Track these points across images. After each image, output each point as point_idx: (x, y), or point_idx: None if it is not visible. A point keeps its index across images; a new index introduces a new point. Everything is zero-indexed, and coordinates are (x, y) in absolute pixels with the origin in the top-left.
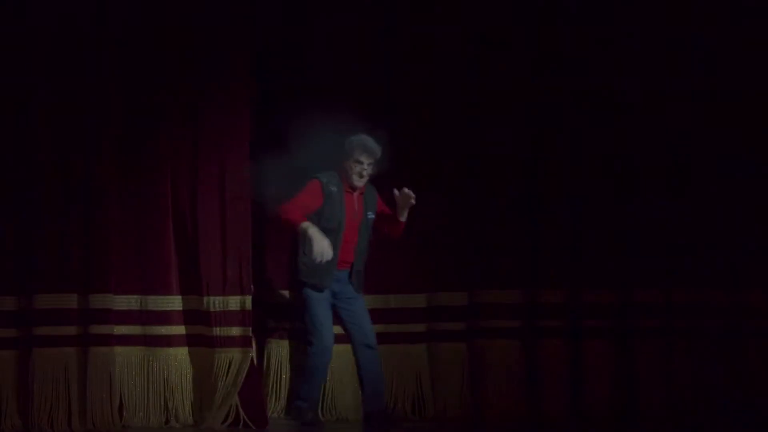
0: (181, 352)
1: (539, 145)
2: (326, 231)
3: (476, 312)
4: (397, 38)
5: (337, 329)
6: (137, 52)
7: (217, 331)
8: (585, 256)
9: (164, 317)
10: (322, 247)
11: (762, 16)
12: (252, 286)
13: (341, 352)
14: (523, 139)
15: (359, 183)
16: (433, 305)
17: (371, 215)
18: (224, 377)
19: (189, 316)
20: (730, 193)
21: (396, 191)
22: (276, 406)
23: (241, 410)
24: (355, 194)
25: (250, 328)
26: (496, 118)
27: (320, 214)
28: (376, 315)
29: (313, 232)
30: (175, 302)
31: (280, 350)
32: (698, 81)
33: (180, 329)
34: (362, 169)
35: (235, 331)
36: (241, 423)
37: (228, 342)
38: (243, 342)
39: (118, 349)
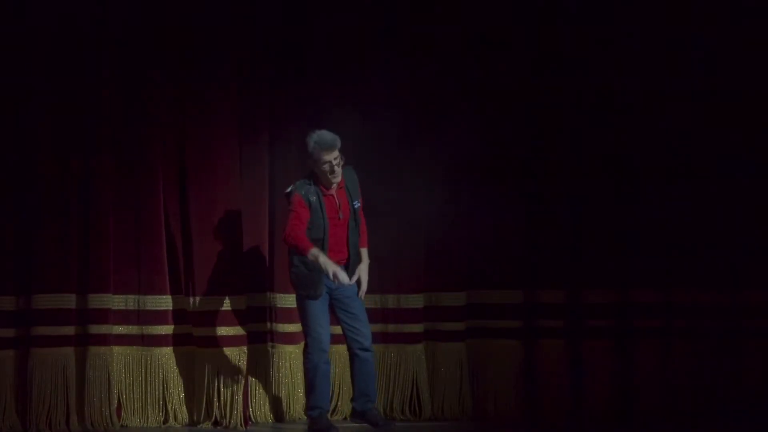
0: (179, 352)
1: (539, 145)
2: (315, 241)
3: (475, 312)
4: (397, 38)
5: (336, 329)
6: (136, 53)
7: (208, 331)
8: (585, 256)
9: (162, 317)
10: (339, 274)
11: (762, 16)
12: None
13: (342, 352)
14: (523, 139)
15: (336, 179)
16: (432, 305)
17: (357, 204)
18: (215, 377)
19: (186, 317)
20: (730, 193)
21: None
22: (291, 409)
23: (227, 409)
24: (335, 191)
25: (243, 328)
26: (496, 118)
27: (308, 226)
28: (375, 315)
29: (324, 260)
30: (171, 302)
31: (292, 353)
32: (698, 81)
33: (178, 329)
34: (332, 166)
35: (226, 330)
36: (228, 422)
37: (221, 342)
38: (236, 341)
39: (117, 349)
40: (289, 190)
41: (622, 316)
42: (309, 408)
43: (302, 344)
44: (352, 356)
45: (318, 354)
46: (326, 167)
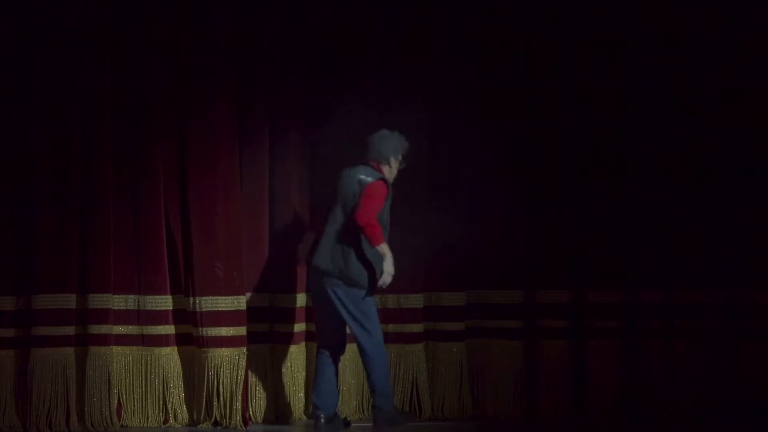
0: (179, 352)
1: (540, 144)
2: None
3: (475, 312)
4: (397, 38)
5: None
6: (136, 52)
7: (208, 331)
8: (585, 257)
9: (162, 317)
10: (392, 272)
11: (762, 16)
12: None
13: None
14: (523, 139)
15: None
16: (432, 305)
17: None
18: (215, 377)
19: (186, 317)
20: (730, 193)
21: None
22: (292, 409)
23: (227, 409)
24: None
25: (243, 328)
26: (497, 117)
27: (380, 216)
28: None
29: (390, 259)
30: (171, 302)
31: (293, 353)
32: (698, 81)
33: (178, 329)
34: (402, 164)
35: (226, 330)
36: (228, 422)
37: (221, 342)
38: (236, 342)
39: (117, 349)
40: (373, 179)
41: (623, 317)
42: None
43: (303, 344)
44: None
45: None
46: (400, 164)
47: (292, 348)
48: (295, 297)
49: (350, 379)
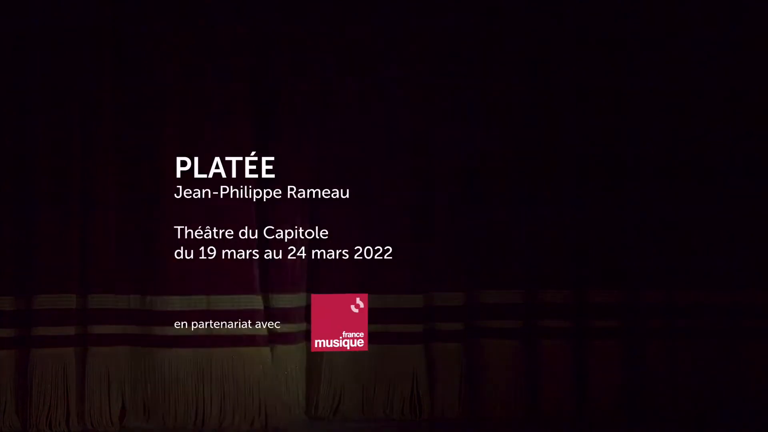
0: (179, 353)
1: (539, 144)
2: None
3: (475, 312)
4: (396, 37)
5: None
6: (134, 52)
7: (208, 331)
8: (586, 257)
9: (162, 317)
10: None
11: (762, 16)
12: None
13: (342, 353)
14: (523, 138)
15: None
16: (432, 305)
17: None
18: (216, 377)
19: (186, 317)
20: (731, 193)
21: None
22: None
23: (228, 409)
24: None
25: (243, 328)
26: (497, 116)
27: None
28: (375, 314)
29: None
30: (171, 303)
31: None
32: (698, 81)
33: (178, 330)
34: None
35: (226, 331)
36: (231, 422)
37: (221, 342)
38: (236, 342)
39: (117, 349)
40: None
41: (624, 317)
42: None
43: (302, 344)
44: None
45: None
46: None
47: (294, 347)
48: (295, 297)
49: (350, 380)
